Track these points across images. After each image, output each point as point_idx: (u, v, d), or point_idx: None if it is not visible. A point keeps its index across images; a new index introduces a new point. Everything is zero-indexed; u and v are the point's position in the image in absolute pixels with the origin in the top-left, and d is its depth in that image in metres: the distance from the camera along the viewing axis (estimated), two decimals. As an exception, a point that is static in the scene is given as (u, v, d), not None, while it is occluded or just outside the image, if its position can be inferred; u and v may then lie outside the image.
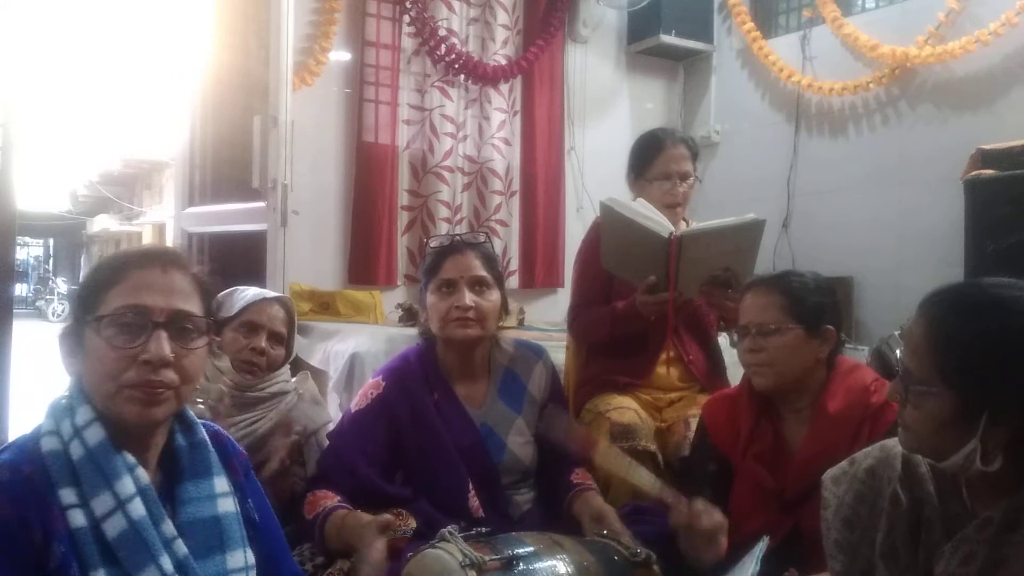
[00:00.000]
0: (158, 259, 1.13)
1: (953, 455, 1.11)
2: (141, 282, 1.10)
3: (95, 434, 1.06)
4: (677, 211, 2.40)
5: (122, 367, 1.06)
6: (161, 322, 1.08)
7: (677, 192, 2.37)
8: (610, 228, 2.22)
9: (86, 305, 1.10)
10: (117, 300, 1.08)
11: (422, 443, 1.81)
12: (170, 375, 1.08)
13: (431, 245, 1.93)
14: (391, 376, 1.87)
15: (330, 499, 1.71)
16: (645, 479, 1.66)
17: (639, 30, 4.84)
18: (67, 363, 1.12)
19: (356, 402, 1.86)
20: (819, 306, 1.73)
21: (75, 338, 1.11)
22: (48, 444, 1.06)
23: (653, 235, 2.10)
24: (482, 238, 1.95)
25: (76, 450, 1.05)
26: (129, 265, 1.12)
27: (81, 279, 1.17)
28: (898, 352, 2.88)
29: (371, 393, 1.84)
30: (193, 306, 1.13)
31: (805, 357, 1.72)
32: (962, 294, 1.15)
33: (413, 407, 1.82)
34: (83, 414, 1.07)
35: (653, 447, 2.11)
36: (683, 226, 2.50)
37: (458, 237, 1.93)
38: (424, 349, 1.93)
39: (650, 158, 2.40)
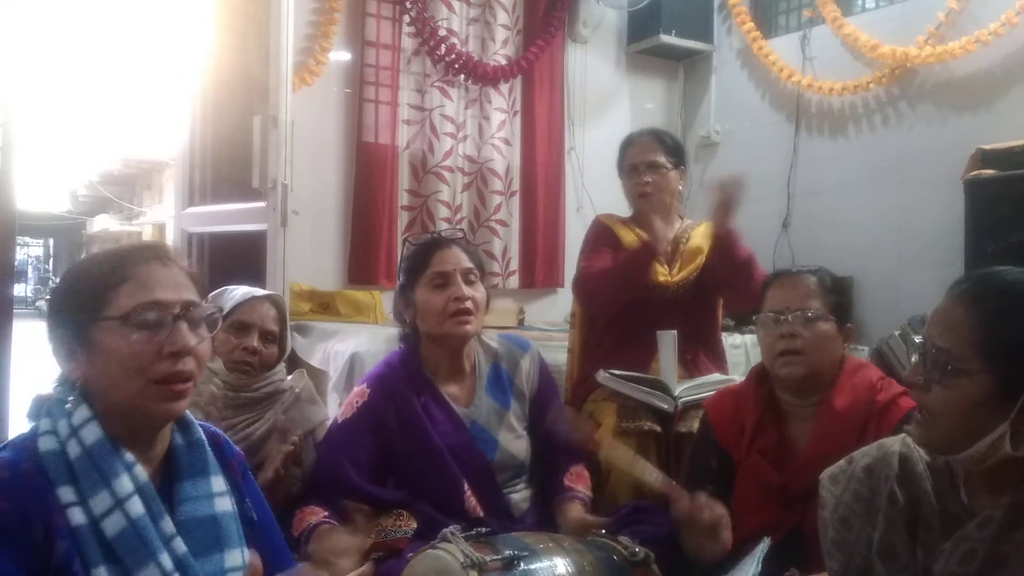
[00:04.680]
0: (154, 254, 1.15)
1: (976, 443, 1.09)
2: (149, 278, 1.11)
3: (92, 433, 1.06)
4: (652, 201, 2.42)
5: (149, 361, 1.08)
6: (178, 314, 1.11)
7: (642, 182, 2.42)
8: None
9: (90, 306, 1.09)
10: (130, 298, 1.09)
11: (412, 447, 1.79)
12: (191, 363, 1.11)
13: (414, 242, 1.93)
14: (375, 383, 1.85)
15: (315, 515, 1.68)
16: (649, 472, 1.66)
17: (639, 30, 4.84)
18: (68, 367, 1.11)
19: (342, 412, 1.84)
20: (845, 303, 1.78)
21: (77, 340, 1.09)
22: (45, 444, 1.06)
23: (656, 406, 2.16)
24: (460, 234, 1.96)
25: (73, 449, 1.06)
26: (130, 262, 1.12)
27: (69, 281, 1.14)
28: (916, 338, 2.84)
29: (356, 402, 1.82)
30: (196, 296, 1.16)
31: (834, 351, 1.74)
32: (1004, 276, 1.15)
33: (400, 411, 1.81)
34: (80, 414, 1.08)
35: (658, 428, 2.13)
36: (677, 224, 2.52)
37: (440, 232, 1.95)
38: (406, 352, 1.91)
39: (621, 154, 2.52)
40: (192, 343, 1.10)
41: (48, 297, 1.21)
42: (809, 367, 1.70)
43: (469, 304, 1.81)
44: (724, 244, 2.27)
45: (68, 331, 1.10)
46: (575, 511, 1.81)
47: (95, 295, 1.09)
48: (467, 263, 1.86)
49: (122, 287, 1.09)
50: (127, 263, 1.12)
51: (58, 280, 1.19)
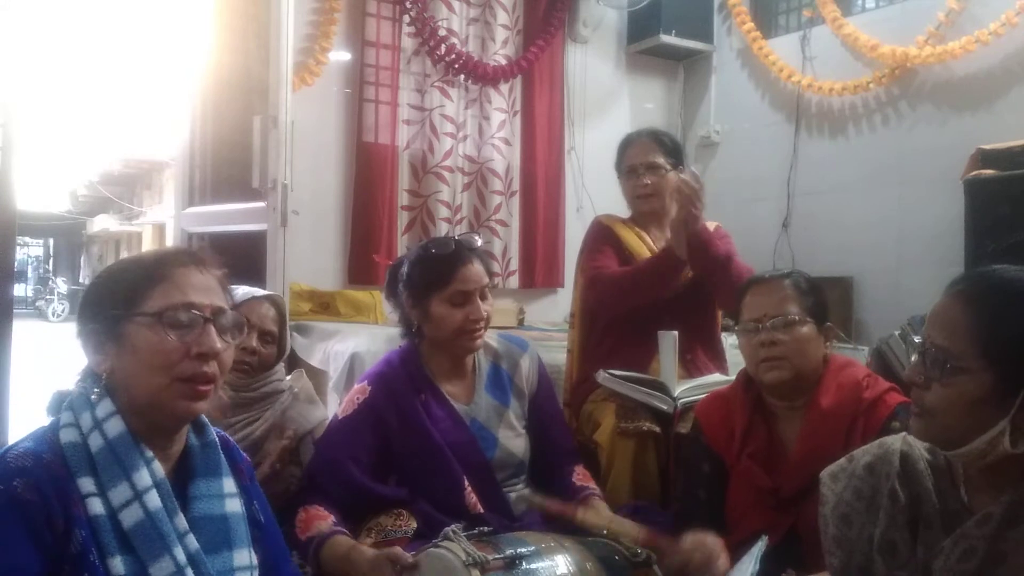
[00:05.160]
0: (192, 260, 1.19)
1: (975, 439, 1.10)
2: (185, 281, 1.15)
3: (115, 427, 1.09)
4: (652, 202, 2.42)
5: (175, 360, 1.11)
6: (209, 317, 1.15)
7: (641, 184, 2.41)
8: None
9: (125, 302, 1.12)
10: (165, 298, 1.13)
11: (413, 444, 1.79)
12: (214, 367, 1.14)
13: (433, 251, 1.87)
14: (376, 380, 1.85)
15: (324, 520, 1.66)
16: (629, 531, 1.64)
17: (639, 30, 4.84)
18: (96, 359, 1.15)
19: (342, 409, 1.84)
20: (823, 302, 1.77)
21: (108, 334, 1.13)
22: (67, 436, 1.09)
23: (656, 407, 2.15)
24: (479, 240, 1.92)
25: (95, 442, 1.08)
26: (170, 264, 1.16)
27: (106, 276, 1.19)
28: (916, 338, 2.83)
29: (357, 399, 1.82)
30: (226, 303, 1.19)
31: (816, 352, 1.74)
32: (1001, 274, 1.15)
33: (401, 409, 1.81)
34: (104, 407, 1.10)
35: (658, 428, 2.13)
36: None
37: (461, 242, 1.88)
38: (407, 350, 1.91)
39: (620, 156, 2.51)
40: (219, 347, 1.14)
41: (84, 289, 1.23)
42: (792, 371, 1.71)
43: (483, 323, 1.84)
44: (695, 246, 2.23)
45: (100, 324, 1.13)
46: (606, 510, 1.81)
47: (131, 292, 1.13)
48: (486, 279, 1.86)
49: (158, 287, 1.13)
50: (165, 264, 1.16)
51: (95, 275, 1.22)
